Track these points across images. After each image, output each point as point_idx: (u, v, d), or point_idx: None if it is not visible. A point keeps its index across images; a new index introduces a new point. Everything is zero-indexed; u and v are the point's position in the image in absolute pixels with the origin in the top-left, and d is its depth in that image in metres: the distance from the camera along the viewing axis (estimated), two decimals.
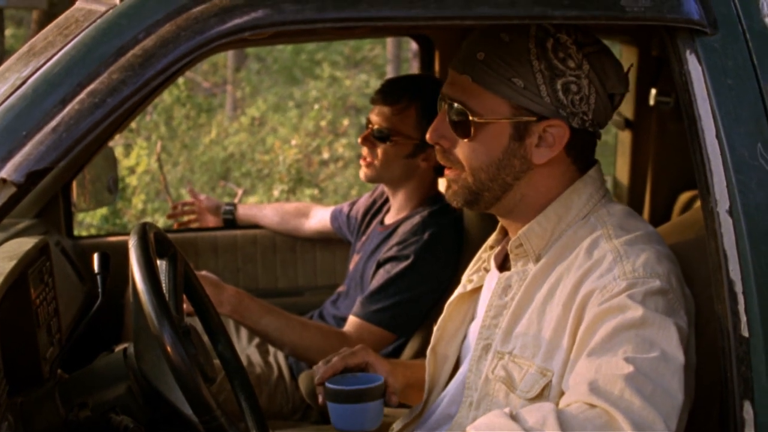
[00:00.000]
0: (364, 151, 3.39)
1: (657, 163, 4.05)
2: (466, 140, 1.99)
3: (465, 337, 2.20)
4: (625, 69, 2.03)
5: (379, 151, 3.35)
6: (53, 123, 1.58)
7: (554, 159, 1.98)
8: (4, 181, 1.57)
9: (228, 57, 16.18)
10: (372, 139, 3.36)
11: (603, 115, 1.98)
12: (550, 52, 1.92)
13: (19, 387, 2.13)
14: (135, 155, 10.43)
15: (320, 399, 2.21)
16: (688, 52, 1.82)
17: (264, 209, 4.27)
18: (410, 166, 3.35)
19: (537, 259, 2.01)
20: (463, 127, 1.98)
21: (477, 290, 2.19)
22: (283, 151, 11.55)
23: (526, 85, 1.93)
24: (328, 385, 2.18)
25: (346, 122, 13.28)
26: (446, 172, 2.07)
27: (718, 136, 1.79)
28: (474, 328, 2.15)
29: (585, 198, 2.01)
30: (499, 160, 1.98)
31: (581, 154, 2.02)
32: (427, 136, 2.05)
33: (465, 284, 2.23)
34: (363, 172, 3.42)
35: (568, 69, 1.93)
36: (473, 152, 1.99)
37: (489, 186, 2.00)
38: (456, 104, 1.98)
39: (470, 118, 1.96)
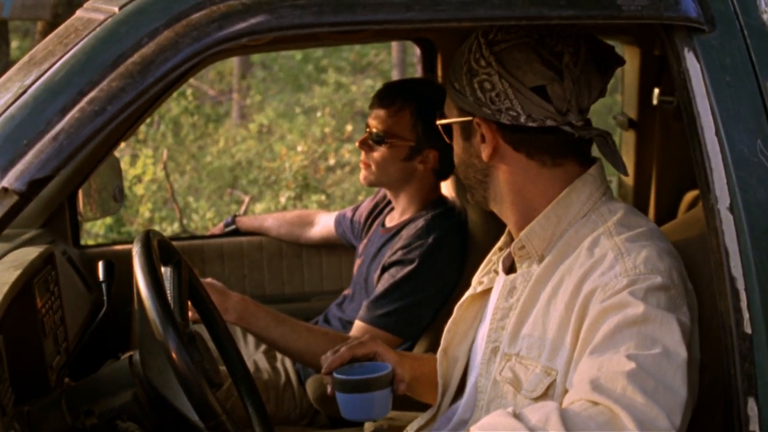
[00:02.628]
0: (363, 154, 3.41)
1: (661, 162, 4.05)
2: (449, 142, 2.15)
3: (474, 339, 2.21)
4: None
5: (376, 154, 3.36)
6: (54, 131, 1.59)
7: (503, 155, 2.04)
8: (5, 190, 1.58)
9: (234, 65, 16.22)
10: (369, 142, 3.37)
11: (538, 109, 1.97)
12: (472, 54, 2.01)
13: (26, 395, 2.14)
14: (141, 164, 10.44)
15: (329, 389, 2.21)
16: (686, 50, 1.82)
17: (265, 221, 4.27)
18: (407, 168, 3.35)
19: (540, 260, 2.02)
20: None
21: (487, 292, 2.20)
22: (289, 157, 11.56)
23: (459, 87, 2.04)
24: (335, 375, 2.17)
25: (352, 128, 13.30)
26: None
27: (717, 134, 1.79)
28: (483, 331, 2.16)
29: (585, 197, 2.01)
30: (464, 159, 2.12)
31: (535, 150, 2.02)
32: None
33: (475, 286, 2.24)
34: (362, 176, 3.44)
35: (481, 68, 1.99)
36: (453, 153, 2.15)
37: (469, 183, 2.13)
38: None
39: (437, 121, 2.14)
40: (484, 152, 2.04)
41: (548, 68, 1.97)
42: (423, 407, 2.41)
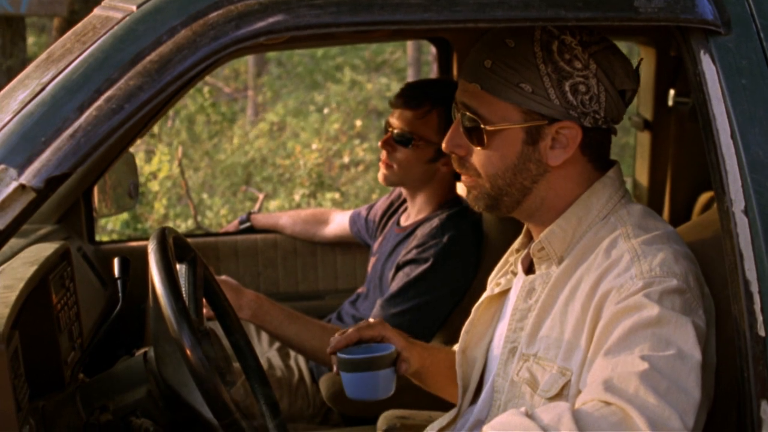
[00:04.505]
0: (384, 154, 3.40)
1: (676, 163, 4.04)
2: (480, 148, 2.00)
3: (492, 339, 2.21)
4: (636, 65, 2.04)
5: (400, 155, 3.35)
6: (71, 129, 1.60)
7: (570, 159, 1.99)
8: (23, 187, 1.59)
9: (249, 62, 16.23)
10: (393, 142, 3.36)
11: (615, 112, 1.99)
12: (556, 54, 1.93)
13: (41, 391, 2.14)
14: (157, 161, 10.46)
15: (334, 369, 2.22)
16: (702, 52, 1.82)
17: (280, 219, 4.28)
18: (430, 170, 3.36)
19: (559, 262, 2.02)
20: (476, 135, 1.99)
21: (504, 293, 2.20)
22: (303, 155, 11.56)
23: (534, 90, 1.93)
24: (339, 354, 2.20)
25: (367, 126, 13.29)
26: (463, 179, 2.08)
27: (732, 136, 1.79)
28: (500, 331, 2.16)
29: (604, 199, 2.01)
30: (515, 165, 1.99)
31: (597, 152, 2.02)
32: (443, 145, 2.06)
33: (492, 287, 2.24)
34: (382, 175, 3.43)
35: (576, 70, 1.93)
36: (488, 160, 2.00)
37: (507, 191, 2.01)
38: (468, 113, 1.99)
39: (482, 126, 1.97)
40: (558, 157, 1.97)
41: (635, 73, 2.00)
42: (436, 406, 2.41)
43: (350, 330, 2.25)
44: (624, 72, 1.97)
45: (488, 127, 1.97)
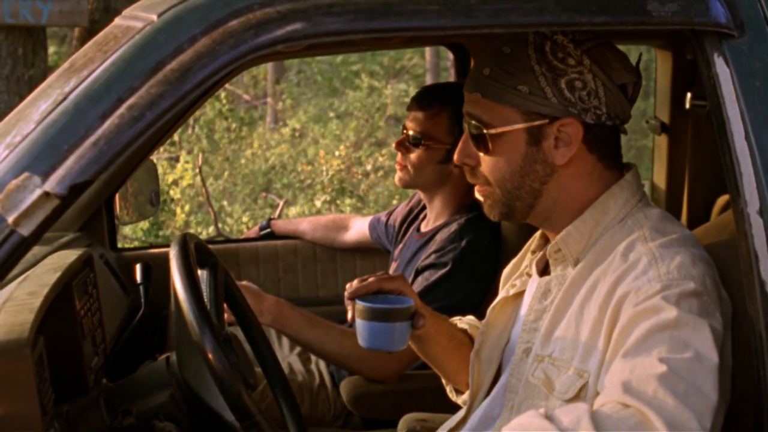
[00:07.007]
0: (399, 156, 3.44)
1: (694, 166, 4.03)
2: (486, 155, 2.04)
3: (508, 341, 2.22)
4: (643, 62, 2.06)
5: (413, 156, 3.39)
6: (94, 137, 1.62)
7: (577, 157, 2.01)
8: (47, 194, 1.61)
9: (268, 70, 16.25)
10: (406, 144, 3.40)
11: (618, 107, 2.00)
12: (549, 54, 1.97)
13: (65, 395, 2.17)
14: (180, 169, 10.49)
15: (349, 315, 2.21)
16: (715, 55, 1.83)
17: (300, 225, 4.30)
18: (443, 171, 3.38)
19: (575, 263, 2.03)
20: (482, 142, 2.03)
21: (520, 294, 2.21)
22: (327, 161, 11.57)
23: (531, 90, 1.97)
24: (358, 301, 2.17)
25: (385, 132, 13.28)
26: (476, 189, 2.12)
27: (747, 138, 1.80)
28: (516, 332, 2.17)
29: (622, 202, 2.02)
30: (521, 168, 2.02)
31: (604, 150, 2.04)
32: (455, 157, 2.11)
33: (508, 289, 2.25)
34: (398, 177, 3.47)
35: (569, 67, 1.97)
36: (495, 165, 2.04)
37: (518, 195, 2.04)
38: (473, 121, 2.04)
39: (485, 131, 2.01)
40: (563, 156, 2.00)
41: (634, 67, 2.02)
42: (457, 409, 2.42)
43: (371, 279, 2.24)
44: (621, 66, 2.00)
45: (491, 131, 2.01)
